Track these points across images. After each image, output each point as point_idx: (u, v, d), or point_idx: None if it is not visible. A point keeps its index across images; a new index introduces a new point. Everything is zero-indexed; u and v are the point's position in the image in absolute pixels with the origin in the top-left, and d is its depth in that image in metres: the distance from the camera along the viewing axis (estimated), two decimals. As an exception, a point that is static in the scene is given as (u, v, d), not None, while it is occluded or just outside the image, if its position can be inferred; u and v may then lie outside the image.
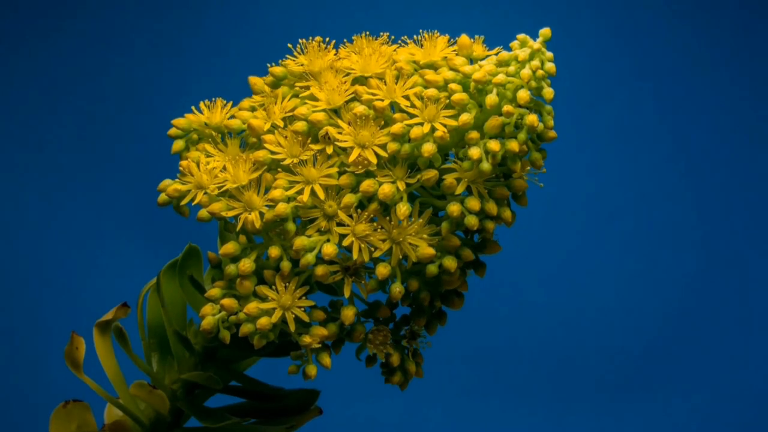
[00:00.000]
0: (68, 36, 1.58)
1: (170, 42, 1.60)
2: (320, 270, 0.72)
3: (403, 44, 0.79)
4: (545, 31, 0.75)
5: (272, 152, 0.74)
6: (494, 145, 0.71)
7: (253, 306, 0.73)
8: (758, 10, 1.65)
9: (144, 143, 1.54)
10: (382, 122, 0.73)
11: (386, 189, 0.71)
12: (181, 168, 0.77)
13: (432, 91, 0.73)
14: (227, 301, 0.73)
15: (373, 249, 0.72)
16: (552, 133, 0.74)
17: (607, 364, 1.59)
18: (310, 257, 0.71)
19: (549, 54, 0.74)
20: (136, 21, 1.60)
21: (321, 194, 0.72)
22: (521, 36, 0.75)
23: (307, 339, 0.73)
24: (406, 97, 0.73)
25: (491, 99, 0.72)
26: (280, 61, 0.80)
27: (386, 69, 0.76)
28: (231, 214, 0.74)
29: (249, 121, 0.76)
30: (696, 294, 1.60)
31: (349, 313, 0.74)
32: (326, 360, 0.75)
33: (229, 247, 0.74)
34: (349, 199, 0.72)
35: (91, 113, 1.58)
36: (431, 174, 0.72)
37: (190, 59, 1.60)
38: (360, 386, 1.29)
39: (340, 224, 0.72)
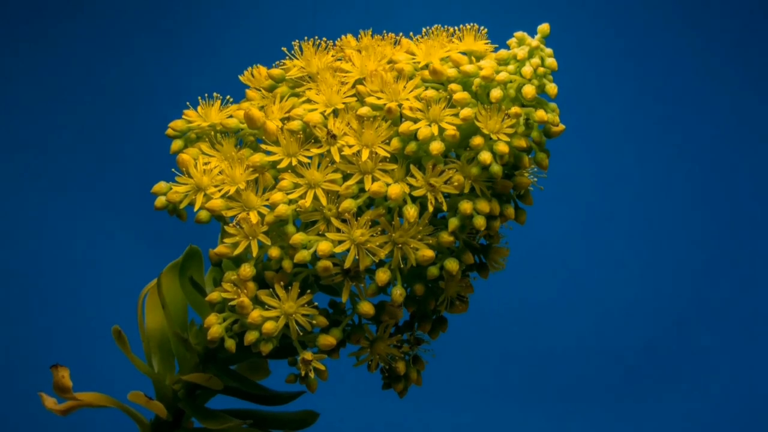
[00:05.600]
0: (68, 36, 1.58)
1: (170, 41, 1.60)
2: (322, 264, 0.71)
3: (403, 39, 0.78)
4: (543, 27, 0.74)
5: (268, 153, 0.73)
6: (502, 147, 0.70)
7: (256, 314, 0.72)
8: (760, 8, 1.65)
9: (144, 143, 1.53)
10: (383, 122, 0.72)
11: (396, 189, 0.71)
12: (179, 163, 0.76)
13: (431, 92, 0.72)
14: (245, 299, 0.72)
15: (372, 255, 0.71)
16: (558, 128, 0.73)
17: (609, 364, 1.58)
18: (305, 254, 0.71)
19: (548, 50, 0.73)
20: (136, 21, 1.60)
21: (323, 199, 0.72)
22: (519, 34, 0.73)
23: (308, 356, 0.73)
24: (409, 100, 0.73)
25: (496, 93, 0.71)
26: (279, 62, 0.80)
27: (386, 69, 0.75)
28: (230, 213, 0.73)
29: (249, 111, 0.75)
30: (697, 294, 1.60)
31: (366, 307, 0.73)
32: (324, 375, 0.74)
33: (224, 248, 0.74)
34: (348, 204, 0.71)
35: (92, 114, 1.58)
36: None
37: (190, 57, 1.60)
38: (360, 387, 1.29)
39: (337, 230, 0.71)
